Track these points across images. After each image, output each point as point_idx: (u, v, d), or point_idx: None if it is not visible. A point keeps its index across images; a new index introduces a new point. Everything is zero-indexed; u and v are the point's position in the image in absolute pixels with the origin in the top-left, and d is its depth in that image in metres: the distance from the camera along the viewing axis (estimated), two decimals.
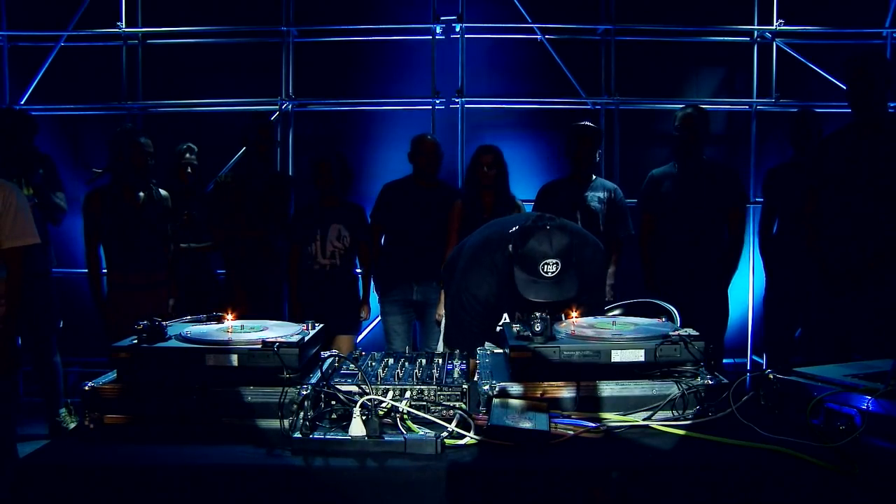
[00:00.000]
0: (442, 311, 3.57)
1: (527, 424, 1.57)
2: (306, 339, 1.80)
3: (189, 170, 4.33)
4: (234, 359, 1.71)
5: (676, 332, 1.79)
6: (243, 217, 4.02)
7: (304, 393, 1.60)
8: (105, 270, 3.95)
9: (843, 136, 3.23)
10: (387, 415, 1.62)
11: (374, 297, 4.27)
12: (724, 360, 4.68)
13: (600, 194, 4.03)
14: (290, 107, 4.99)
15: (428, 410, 1.66)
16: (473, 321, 2.35)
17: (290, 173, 4.94)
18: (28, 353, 4.10)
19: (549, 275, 2.04)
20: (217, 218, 4.07)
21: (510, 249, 2.16)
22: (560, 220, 2.16)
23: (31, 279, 3.87)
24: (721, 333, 3.97)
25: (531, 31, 4.94)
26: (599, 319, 2.06)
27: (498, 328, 2.42)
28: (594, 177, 4.14)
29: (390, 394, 1.68)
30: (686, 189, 3.87)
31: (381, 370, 1.81)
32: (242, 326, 1.96)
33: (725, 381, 1.75)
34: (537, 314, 1.81)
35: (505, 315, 2.34)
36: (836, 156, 3.19)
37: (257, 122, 4.13)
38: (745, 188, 4.04)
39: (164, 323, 1.84)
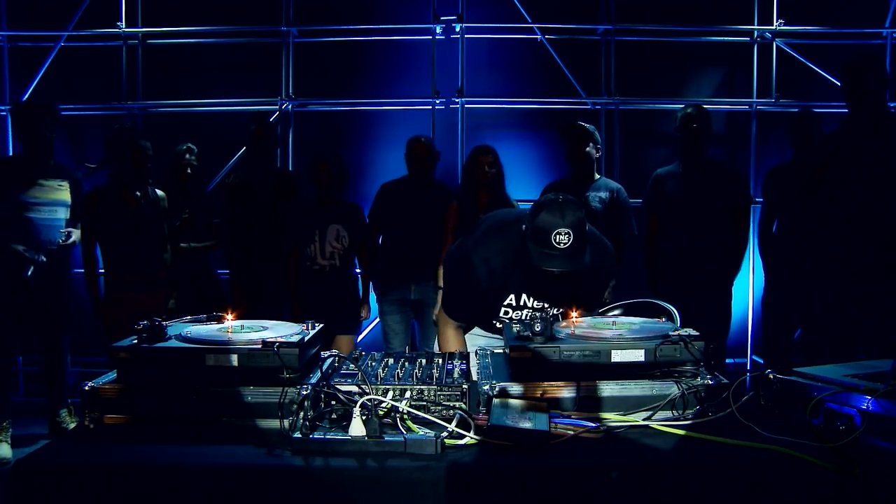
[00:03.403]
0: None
1: (527, 424, 1.57)
2: (306, 339, 1.80)
3: (189, 170, 4.34)
4: (234, 359, 1.71)
5: (676, 332, 1.79)
6: (253, 217, 4.05)
7: (304, 393, 1.59)
8: (102, 271, 3.96)
9: (842, 134, 3.24)
10: (387, 415, 1.62)
11: (373, 297, 4.27)
12: (725, 360, 4.68)
13: (602, 194, 4.03)
14: (290, 107, 5.00)
15: (428, 410, 1.66)
16: (476, 287, 2.34)
17: None
18: (39, 353, 4.11)
19: (562, 246, 2.06)
20: (228, 220, 4.10)
21: (523, 227, 2.18)
22: (575, 199, 2.19)
23: (51, 282, 3.86)
24: (724, 333, 3.97)
25: (531, 31, 4.94)
26: (599, 319, 2.06)
27: (497, 324, 2.43)
28: (598, 176, 4.13)
29: (390, 394, 1.67)
30: (690, 189, 3.87)
31: (381, 370, 1.80)
32: (242, 326, 1.96)
33: (725, 381, 1.75)
34: (537, 314, 1.81)
35: (511, 297, 2.36)
36: (837, 154, 3.21)
37: (256, 123, 4.15)
38: (749, 188, 4.04)
39: (163, 323, 1.84)
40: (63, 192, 3.90)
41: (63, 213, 3.90)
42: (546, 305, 2.32)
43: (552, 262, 2.09)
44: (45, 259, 3.69)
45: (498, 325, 2.44)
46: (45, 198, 3.84)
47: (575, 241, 2.07)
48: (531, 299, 2.35)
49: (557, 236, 2.06)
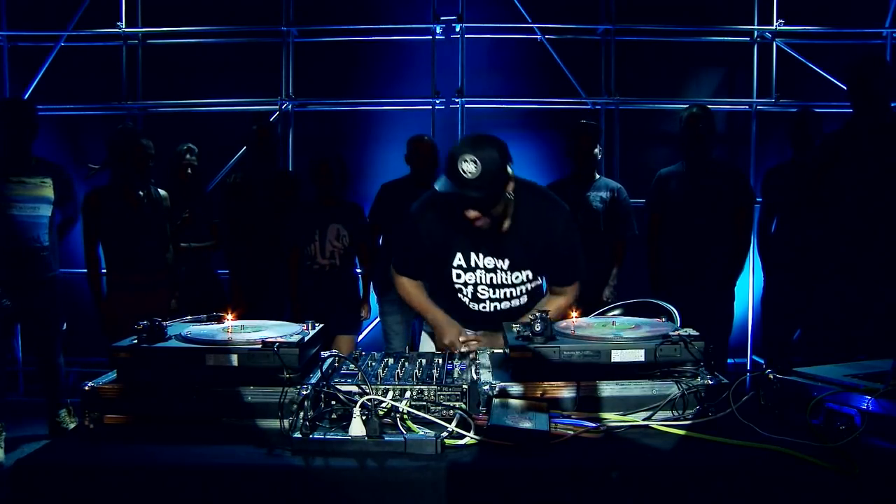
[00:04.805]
0: None
1: (527, 424, 1.57)
2: (306, 339, 1.80)
3: (189, 170, 4.34)
4: (234, 359, 1.71)
5: (676, 332, 1.79)
6: (254, 217, 4.05)
7: (304, 393, 1.59)
8: (104, 270, 3.95)
9: (847, 135, 3.25)
10: (387, 415, 1.62)
11: (373, 297, 4.27)
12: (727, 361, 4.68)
13: (603, 194, 4.03)
14: (290, 107, 5.00)
15: (428, 410, 1.66)
16: (421, 247, 2.42)
17: None
18: (33, 353, 4.09)
19: (467, 175, 2.09)
20: (228, 219, 4.11)
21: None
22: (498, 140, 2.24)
23: (37, 282, 3.84)
24: (727, 334, 3.97)
25: (531, 31, 4.94)
26: (599, 319, 2.06)
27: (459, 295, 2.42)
28: (598, 176, 4.13)
29: (390, 394, 1.67)
30: (693, 189, 3.87)
31: (381, 370, 1.80)
32: (242, 326, 1.96)
33: (725, 381, 1.75)
34: (538, 314, 1.80)
35: (459, 256, 2.37)
36: (841, 155, 3.21)
37: (257, 123, 4.16)
38: (751, 188, 4.04)
39: (164, 323, 1.84)
40: (46, 189, 3.80)
41: (46, 211, 3.80)
42: (498, 262, 2.33)
43: (454, 187, 2.11)
44: (9, 303, 3.64)
45: (460, 295, 2.43)
46: (28, 195, 3.75)
47: (483, 172, 2.09)
48: (480, 256, 2.36)
49: (462, 163, 2.08)
